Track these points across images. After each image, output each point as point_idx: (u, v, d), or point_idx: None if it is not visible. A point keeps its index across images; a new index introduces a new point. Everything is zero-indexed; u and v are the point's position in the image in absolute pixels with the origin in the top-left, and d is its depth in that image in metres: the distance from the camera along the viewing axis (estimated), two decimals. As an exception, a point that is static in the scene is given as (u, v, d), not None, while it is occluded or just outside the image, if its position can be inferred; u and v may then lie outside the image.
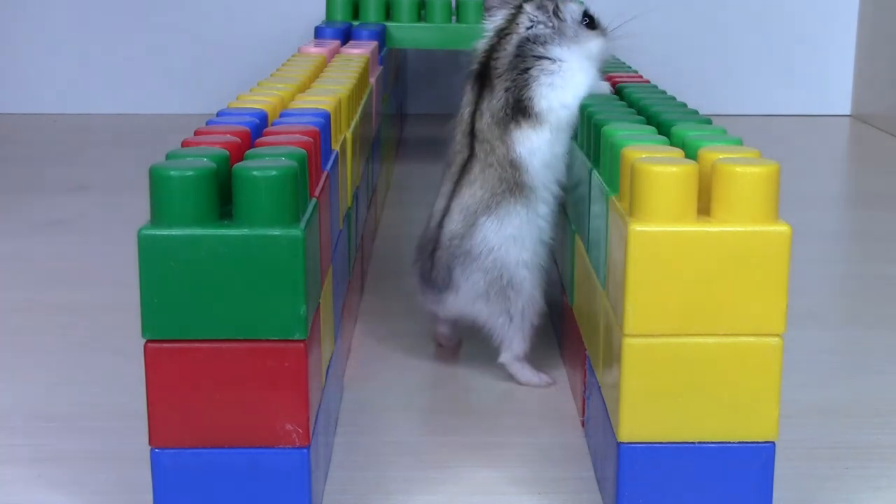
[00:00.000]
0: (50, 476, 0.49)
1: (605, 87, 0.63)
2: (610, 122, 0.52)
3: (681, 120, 0.53)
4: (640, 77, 0.70)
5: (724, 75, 1.53)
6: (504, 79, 0.59)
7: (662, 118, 0.54)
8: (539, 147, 0.58)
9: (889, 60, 1.43)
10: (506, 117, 0.58)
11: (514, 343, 0.59)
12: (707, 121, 0.53)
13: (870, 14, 1.49)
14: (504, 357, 0.60)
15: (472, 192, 0.59)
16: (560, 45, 0.59)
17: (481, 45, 0.61)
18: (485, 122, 0.59)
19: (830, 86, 1.55)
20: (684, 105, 0.58)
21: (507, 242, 0.58)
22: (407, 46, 1.15)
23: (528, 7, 0.60)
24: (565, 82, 0.59)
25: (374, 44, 0.96)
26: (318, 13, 1.43)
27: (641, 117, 0.55)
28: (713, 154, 0.45)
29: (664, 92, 0.63)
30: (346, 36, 1.04)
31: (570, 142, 0.59)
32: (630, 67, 0.76)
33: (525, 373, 0.60)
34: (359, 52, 0.88)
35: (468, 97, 0.60)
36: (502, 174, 0.58)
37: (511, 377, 0.60)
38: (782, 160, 0.45)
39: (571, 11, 0.61)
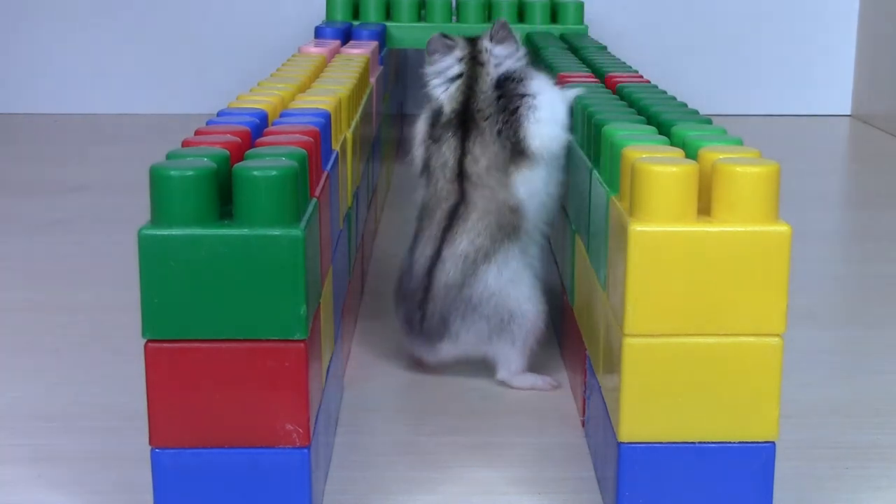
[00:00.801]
0: (50, 476, 0.49)
1: (571, 94, 0.61)
2: (610, 122, 0.52)
3: (681, 120, 0.53)
4: (640, 77, 0.70)
5: (724, 75, 1.53)
6: (492, 121, 0.58)
7: (662, 118, 0.54)
8: (538, 188, 0.58)
9: (889, 60, 1.43)
10: (506, 161, 0.57)
11: (512, 363, 0.59)
12: (707, 121, 0.53)
13: (870, 14, 1.49)
14: (502, 375, 0.59)
15: (470, 240, 0.57)
16: (531, 78, 0.59)
17: (447, 92, 0.60)
18: (482, 167, 0.57)
19: (830, 86, 1.55)
20: (684, 105, 0.58)
21: (506, 287, 0.58)
22: (407, 46, 1.15)
23: (485, 44, 0.60)
24: (549, 114, 0.58)
25: (374, 44, 0.96)
26: (318, 13, 1.43)
27: (641, 117, 0.55)
28: (713, 154, 0.45)
29: (664, 92, 0.63)
30: (346, 36, 1.04)
31: (560, 176, 0.59)
32: (630, 67, 0.76)
33: (526, 380, 0.59)
34: (359, 52, 0.88)
35: (451, 143, 0.58)
36: (500, 220, 0.57)
37: (507, 385, 0.60)
38: (782, 160, 0.45)
39: (516, 38, 0.61)
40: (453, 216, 0.58)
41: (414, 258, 0.59)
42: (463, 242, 0.57)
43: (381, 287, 0.78)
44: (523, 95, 0.58)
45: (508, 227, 0.57)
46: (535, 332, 0.59)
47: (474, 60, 0.60)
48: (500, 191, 0.57)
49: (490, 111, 0.58)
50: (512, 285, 0.58)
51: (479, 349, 0.59)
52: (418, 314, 0.59)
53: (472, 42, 0.60)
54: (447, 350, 0.59)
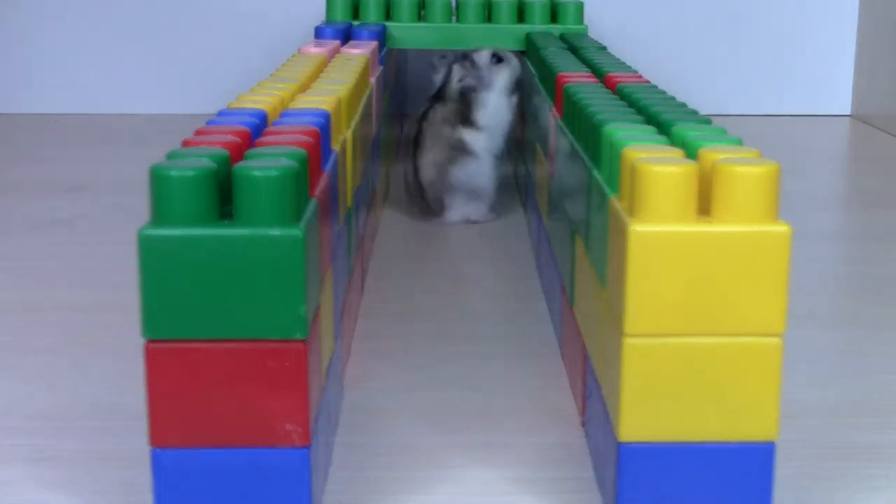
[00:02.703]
0: (50, 476, 0.49)
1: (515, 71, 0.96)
2: (610, 122, 0.52)
3: (681, 120, 0.53)
4: (640, 77, 0.70)
5: (724, 75, 1.53)
6: (453, 102, 0.94)
7: (662, 118, 0.54)
8: (480, 140, 0.94)
9: (889, 60, 1.43)
10: (454, 121, 0.94)
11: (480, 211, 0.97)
12: (707, 121, 0.53)
13: (870, 14, 1.49)
14: (474, 217, 0.96)
15: (431, 154, 0.94)
16: (481, 89, 0.94)
17: (437, 82, 0.96)
18: (438, 117, 0.94)
19: (830, 86, 1.55)
20: (684, 105, 0.58)
21: (472, 174, 0.94)
22: (407, 46, 1.15)
23: (455, 67, 0.95)
24: (492, 111, 0.94)
25: (374, 44, 0.96)
26: (318, 13, 1.43)
27: (641, 117, 0.55)
28: (713, 154, 0.45)
29: (664, 92, 0.63)
30: (346, 36, 1.04)
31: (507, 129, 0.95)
32: (630, 67, 0.76)
33: (487, 216, 0.97)
34: (359, 52, 0.88)
35: (425, 105, 0.96)
36: (453, 145, 0.94)
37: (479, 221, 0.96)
38: (782, 160, 0.45)
39: (481, 57, 0.95)
40: (416, 143, 0.95)
41: (406, 175, 0.97)
42: (427, 156, 0.94)
43: (381, 287, 0.78)
44: (476, 96, 0.94)
45: (460, 148, 0.94)
46: (489, 196, 0.96)
47: (447, 74, 0.95)
48: (448, 132, 0.94)
49: (453, 98, 0.94)
50: (474, 174, 0.94)
51: (469, 212, 0.95)
52: (424, 203, 0.95)
53: (454, 62, 0.95)
54: (451, 215, 0.95)
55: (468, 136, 0.94)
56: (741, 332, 0.42)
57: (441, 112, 0.94)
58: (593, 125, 0.54)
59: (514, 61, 0.96)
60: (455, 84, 0.94)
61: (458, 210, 0.95)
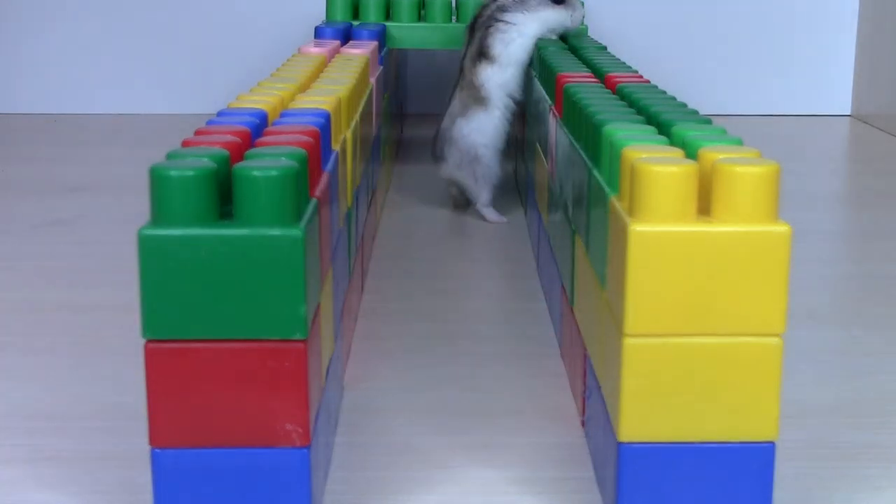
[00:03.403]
0: (50, 476, 0.49)
1: (575, 19, 0.95)
2: (610, 122, 0.52)
3: (681, 120, 0.53)
4: (640, 77, 0.70)
5: (724, 75, 1.53)
6: (479, 34, 0.93)
7: (662, 118, 0.54)
8: (493, 75, 0.92)
9: (889, 60, 1.43)
10: (476, 57, 0.93)
11: (481, 195, 0.95)
12: (707, 121, 0.53)
13: (870, 14, 1.49)
14: (478, 206, 0.96)
15: (454, 104, 0.95)
16: (516, 12, 0.92)
17: (476, 8, 0.96)
18: (467, 61, 0.94)
19: (830, 86, 1.55)
20: (684, 105, 0.58)
21: (472, 132, 0.93)
22: (407, 46, 1.15)
23: None
24: (513, 37, 0.92)
25: (374, 44, 0.96)
26: (318, 13, 1.43)
27: (641, 117, 0.55)
28: (713, 154, 0.45)
29: (664, 92, 0.63)
30: (346, 36, 1.04)
31: (520, 68, 0.93)
32: (630, 67, 0.76)
33: (491, 214, 0.96)
34: (359, 52, 0.88)
35: (464, 45, 0.96)
36: (470, 92, 0.93)
37: (483, 219, 0.96)
38: (782, 160, 0.45)
39: None
40: (453, 90, 0.96)
41: (441, 115, 0.97)
42: (453, 105, 0.95)
43: (381, 287, 0.78)
44: (500, 21, 0.92)
45: (474, 96, 0.93)
46: (489, 171, 0.94)
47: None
48: (471, 76, 0.93)
49: (480, 27, 0.93)
50: (475, 133, 0.93)
51: (457, 174, 0.95)
52: (433, 146, 0.97)
53: None
54: (444, 169, 0.96)
55: (483, 73, 0.92)
56: (741, 332, 0.42)
57: (467, 50, 0.94)
58: (593, 125, 0.54)
59: (579, 9, 0.94)
60: (493, 4, 0.93)
61: (451, 164, 0.95)
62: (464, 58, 0.94)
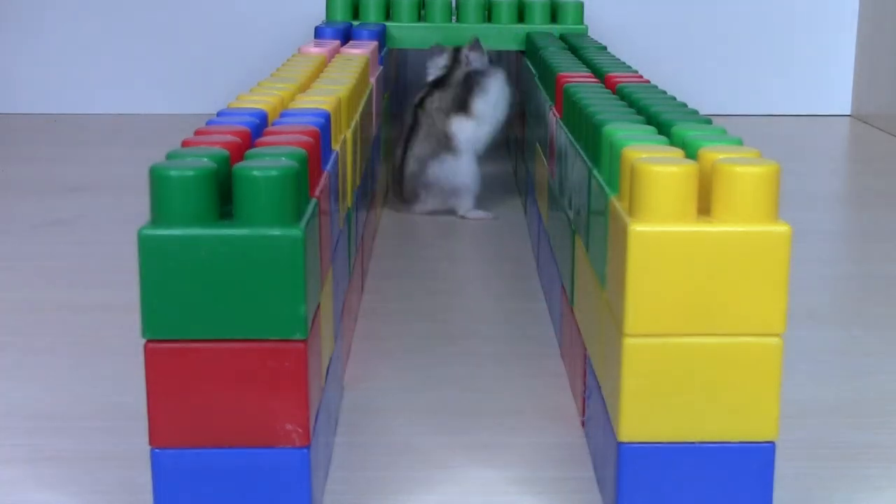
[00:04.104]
0: (50, 476, 0.49)
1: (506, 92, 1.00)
2: (610, 122, 0.52)
3: (681, 120, 0.53)
4: (640, 77, 0.70)
5: (724, 75, 1.53)
6: (454, 87, 0.98)
7: (662, 118, 0.54)
8: (468, 129, 0.97)
9: (889, 60, 1.43)
10: (452, 109, 0.97)
11: (463, 206, 0.98)
12: (707, 121, 0.53)
13: (870, 14, 1.49)
14: (461, 212, 0.98)
15: (417, 147, 0.97)
16: (491, 75, 0.98)
17: (437, 69, 1.00)
18: (434, 106, 0.97)
19: (830, 86, 1.55)
20: (684, 105, 0.58)
21: (447, 173, 0.97)
22: (407, 46, 1.15)
23: (464, 51, 0.99)
24: (493, 99, 0.98)
25: (374, 44, 0.96)
26: (318, 13, 1.43)
27: (641, 117, 0.55)
28: (713, 154, 0.45)
29: (664, 92, 0.63)
30: (346, 36, 1.04)
31: (496, 128, 0.99)
32: (630, 67, 0.76)
33: (476, 214, 0.98)
34: (359, 52, 0.88)
35: (423, 91, 0.99)
36: (438, 139, 0.97)
37: (468, 218, 0.98)
38: (782, 160, 0.45)
39: (482, 51, 1.00)
40: (411, 132, 0.98)
41: (394, 157, 1.00)
42: (417, 149, 0.97)
43: (381, 287, 0.78)
44: (481, 81, 0.98)
45: (445, 144, 0.97)
46: (470, 187, 0.98)
47: (455, 59, 0.99)
48: (442, 126, 0.97)
49: (457, 82, 0.98)
50: (450, 173, 0.97)
51: (440, 206, 0.98)
52: (400, 190, 0.99)
53: (457, 49, 1.00)
54: (420, 208, 0.99)
55: (458, 125, 0.96)
56: (741, 332, 0.42)
57: (439, 100, 0.97)
58: (593, 125, 0.54)
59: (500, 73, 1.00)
60: (465, 66, 0.97)
61: (429, 203, 0.98)
62: (419, 104, 0.98)
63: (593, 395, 0.51)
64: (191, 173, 0.40)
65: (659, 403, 0.43)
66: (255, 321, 0.41)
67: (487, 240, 0.92)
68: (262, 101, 0.57)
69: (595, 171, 0.52)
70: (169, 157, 0.43)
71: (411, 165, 0.97)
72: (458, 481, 0.49)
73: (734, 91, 1.53)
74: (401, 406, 0.58)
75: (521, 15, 1.16)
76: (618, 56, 0.87)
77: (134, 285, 0.41)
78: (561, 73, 0.73)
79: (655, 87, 0.66)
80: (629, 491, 0.44)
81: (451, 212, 0.98)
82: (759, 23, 1.52)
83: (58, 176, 1.13)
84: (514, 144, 1.09)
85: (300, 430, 0.42)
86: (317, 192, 0.47)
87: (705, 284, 0.42)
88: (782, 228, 0.42)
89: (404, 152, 0.97)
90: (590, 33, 1.17)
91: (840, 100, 1.55)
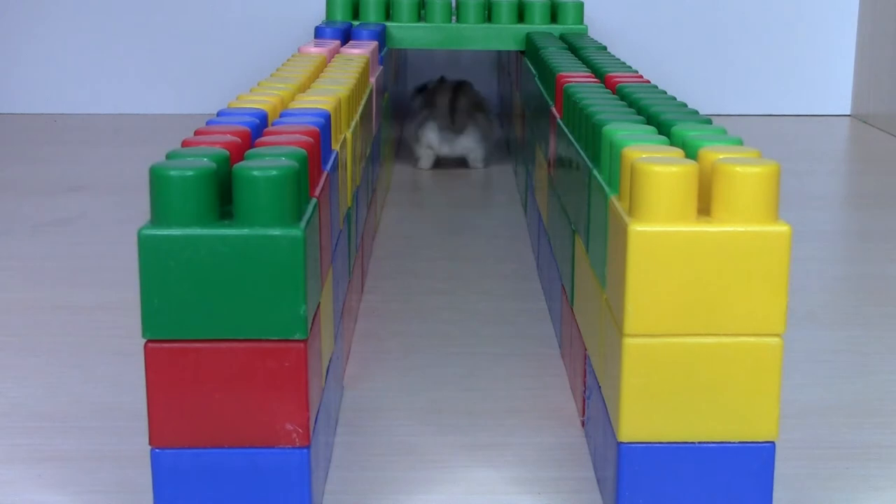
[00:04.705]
0: (50, 476, 0.49)
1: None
2: (610, 122, 0.52)
3: (681, 120, 0.53)
4: (640, 77, 0.70)
5: (724, 75, 1.53)
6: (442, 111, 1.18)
7: (662, 118, 0.54)
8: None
9: (889, 60, 1.43)
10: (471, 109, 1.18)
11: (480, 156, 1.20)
12: (707, 121, 0.53)
13: (870, 14, 1.49)
14: (476, 164, 1.19)
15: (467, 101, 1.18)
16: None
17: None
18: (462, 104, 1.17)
19: (830, 86, 1.55)
20: (684, 105, 0.58)
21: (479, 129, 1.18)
22: (407, 46, 1.15)
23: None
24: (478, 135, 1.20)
25: (374, 44, 0.96)
26: (318, 13, 1.43)
27: (641, 117, 0.55)
28: (713, 154, 0.45)
29: (664, 92, 0.63)
30: (346, 36, 1.04)
31: None
32: (630, 67, 0.76)
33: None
34: (359, 52, 0.88)
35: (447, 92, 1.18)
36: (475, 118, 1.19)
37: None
38: (782, 160, 0.45)
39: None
40: (456, 88, 1.18)
41: (441, 98, 1.17)
42: (463, 99, 1.17)
43: (381, 287, 0.78)
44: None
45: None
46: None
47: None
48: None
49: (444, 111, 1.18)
50: (488, 129, 1.19)
51: (474, 147, 1.17)
52: (452, 120, 1.16)
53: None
54: (463, 142, 1.17)
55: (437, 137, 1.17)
56: (741, 332, 0.42)
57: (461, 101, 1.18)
58: (593, 125, 0.54)
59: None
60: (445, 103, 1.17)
61: (470, 138, 1.18)
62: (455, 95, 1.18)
63: (593, 395, 0.51)
64: (191, 173, 0.40)
65: (659, 403, 0.43)
66: (255, 321, 0.41)
67: (487, 240, 0.92)
68: (262, 101, 0.57)
69: (595, 171, 0.52)
70: (169, 157, 0.43)
71: (463, 103, 1.16)
72: (458, 481, 0.49)
73: (734, 91, 1.53)
74: (401, 406, 0.58)
75: (521, 15, 1.16)
76: (618, 56, 0.87)
77: (134, 285, 0.41)
78: (561, 73, 0.73)
79: (655, 87, 0.66)
80: (629, 491, 0.44)
81: (467, 162, 1.18)
82: (760, 23, 1.52)
83: (58, 176, 1.13)
84: (514, 144, 1.09)
85: (300, 430, 0.42)
86: (317, 192, 0.47)
87: (705, 284, 0.42)
88: (782, 228, 0.42)
89: (455, 96, 1.16)
90: (590, 33, 1.17)
91: (840, 100, 1.55)
